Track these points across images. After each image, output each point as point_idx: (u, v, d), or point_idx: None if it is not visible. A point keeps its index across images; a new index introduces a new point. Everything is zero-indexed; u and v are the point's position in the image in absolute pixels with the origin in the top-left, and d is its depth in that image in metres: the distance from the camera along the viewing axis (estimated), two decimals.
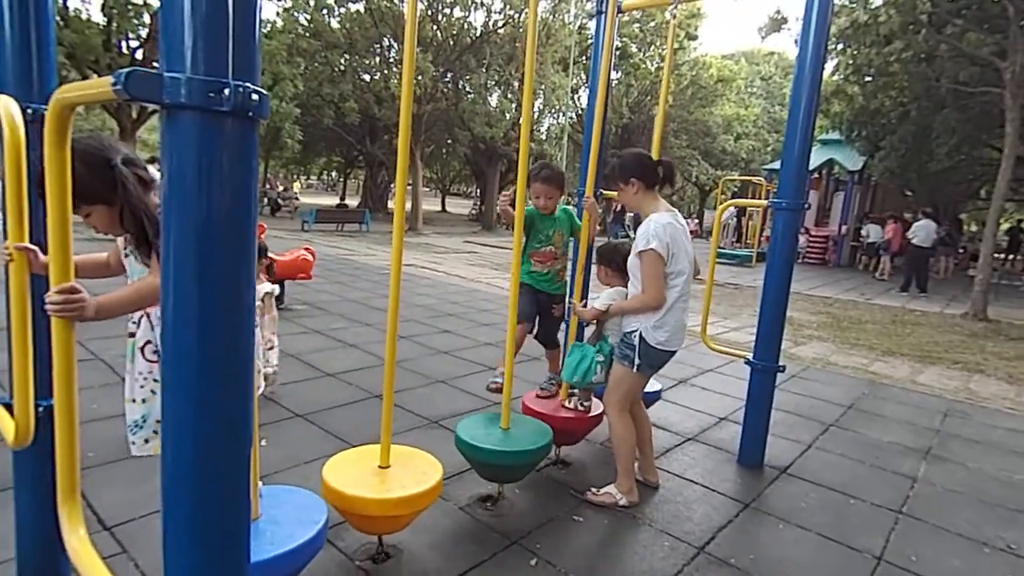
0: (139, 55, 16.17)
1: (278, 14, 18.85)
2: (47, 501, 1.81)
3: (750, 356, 3.16)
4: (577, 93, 22.89)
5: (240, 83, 0.81)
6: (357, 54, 20.62)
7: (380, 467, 2.11)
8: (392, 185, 24.58)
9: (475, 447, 2.35)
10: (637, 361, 2.51)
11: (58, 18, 15.12)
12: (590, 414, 2.90)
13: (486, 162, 23.93)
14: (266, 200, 22.04)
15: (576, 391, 2.92)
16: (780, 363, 3.14)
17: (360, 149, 25.24)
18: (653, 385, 2.98)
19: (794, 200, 2.97)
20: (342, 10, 20.23)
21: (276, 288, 2.36)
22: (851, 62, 12.08)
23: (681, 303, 2.52)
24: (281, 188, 24.60)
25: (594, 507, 2.59)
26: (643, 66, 23.13)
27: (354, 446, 2.98)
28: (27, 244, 1.48)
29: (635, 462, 2.73)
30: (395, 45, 20.53)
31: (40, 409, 1.60)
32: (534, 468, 2.63)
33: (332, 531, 2.26)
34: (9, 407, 1.65)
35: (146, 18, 15.66)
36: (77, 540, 1.10)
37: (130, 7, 15.22)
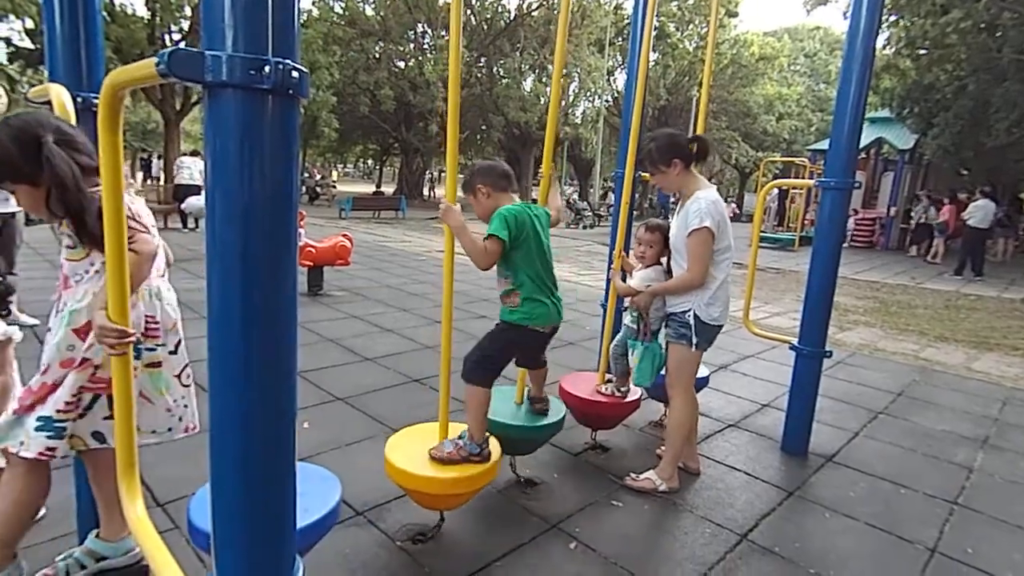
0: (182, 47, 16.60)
1: (314, 3, 19.05)
2: None
3: (795, 341, 3.06)
4: (613, 75, 22.47)
5: (280, 60, 0.81)
6: (392, 41, 20.69)
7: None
8: (427, 172, 24.68)
9: (490, 420, 2.39)
10: (695, 339, 2.48)
11: (105, 13, 15.63)
12: (627, 399, 2.86)
13: (520, 147, 23.81)
14: (304, 188, 22.48)
15: (613, 377, 2.89)
16: (826, 348, 3.03)
17: (395, 136, 25.42)
18: (701, 371, 2.90)
19: (843, 179, 2.84)
20: None
21: (14, 334, 2.11)
22: (904, 34, 11.48)
23: (727, 278, 2.51)
24: (319, 176, 25.04)
25: (633, 492, 2.56)
26: (681, 46, 22.52)
27: (395, 429, 3.05)
28: None
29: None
30: (429, 31, 20.51)
31: None
32: (543, 443, 2.65)
33: (373, 512, 2.30)
34: None
35: (187, 11, 16.04)
36: (135, 513, 1.14)
37: (172, 1, 15.61)
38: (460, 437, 2.12)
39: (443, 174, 35.91)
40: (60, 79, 1.58)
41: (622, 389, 2.83)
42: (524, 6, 20.26)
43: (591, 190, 25.46)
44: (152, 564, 1.04)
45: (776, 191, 16.83)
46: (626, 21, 22.08)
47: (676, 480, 2.59)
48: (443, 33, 20.01)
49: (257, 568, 0.95)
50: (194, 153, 12.53)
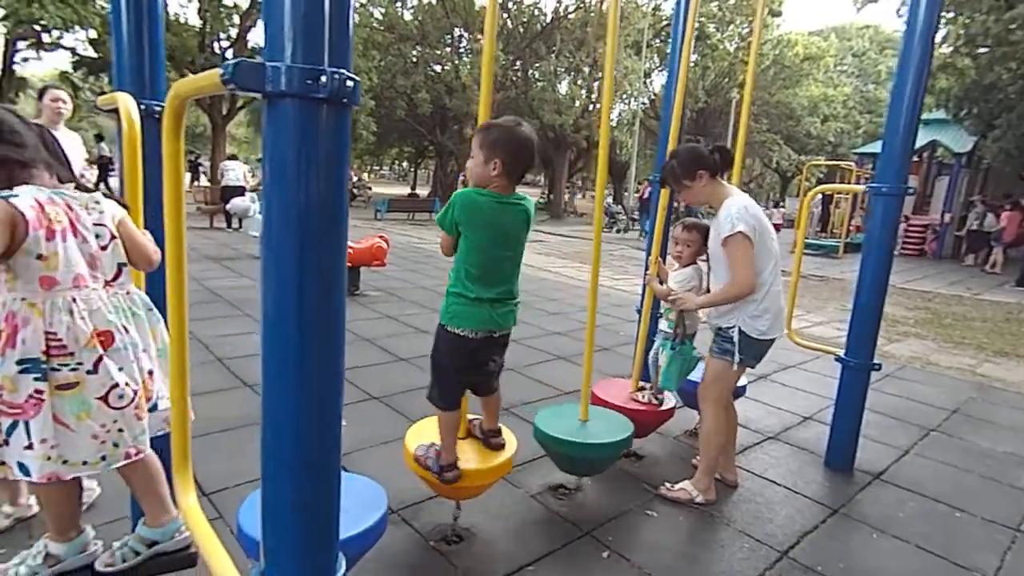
0: (229, 54, 17.21)
1: (355, 9, 19.47)
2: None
3: (841, 352, 2.96)
4: (650, 77, 22.23)
5: (335, 70, 0.83)
6: (429, 45, 20.94)
7: (458, 438, 2.17)
8: (461, 174, 24.88)
9: (554, 438, 2.36)
10: (739, 356, 2.38)
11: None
12: (662, 407, 2.82)
13: (554, 150, 23.73)
14: None
15: (650, 385, 2.85)
16: (875, 361, 2.92)
17: (430, 139, 25.70)
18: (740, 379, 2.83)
19: (896, 184, 2.73)
20: (414, 2, 20.61)
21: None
22: (963, 31, 10.96)
23: (776, 286, 2.38)
24: (355, 178, 25.51)
25: (668, 503, 2.52)
26: (721, 47, 22.11)
27: None
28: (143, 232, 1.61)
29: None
30: (466, 35, 20.70)
31: None
32: (614, 462, 2.59)
33: (408, 511, 2.33)
34: None
35: (235, 19, 16.60)
36: (188, 503, 1.18)
37: (222, 9, 16.20)
38: (432, 445, 2.06)
39: None
40: (126, 87, 1.65)
41: (658, 397, 2.80)
42: (560, 9, 20.25)
43: (625, 193, 25.25)
44: (203, 552, 1.08)
45: (819, 196, 16.35)
46: (664, 22, 21.83)
47: (713, 492, 2.53)
48: (479, 37, 20.16)
49: (304, 559, 0.98)
50: (232, 157, 12.94)
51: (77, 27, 15.99)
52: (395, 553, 2.08)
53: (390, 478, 2.40)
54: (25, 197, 1.35)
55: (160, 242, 1.71)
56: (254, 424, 3.00)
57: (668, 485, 2.58)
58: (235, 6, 16.65)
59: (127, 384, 1.46)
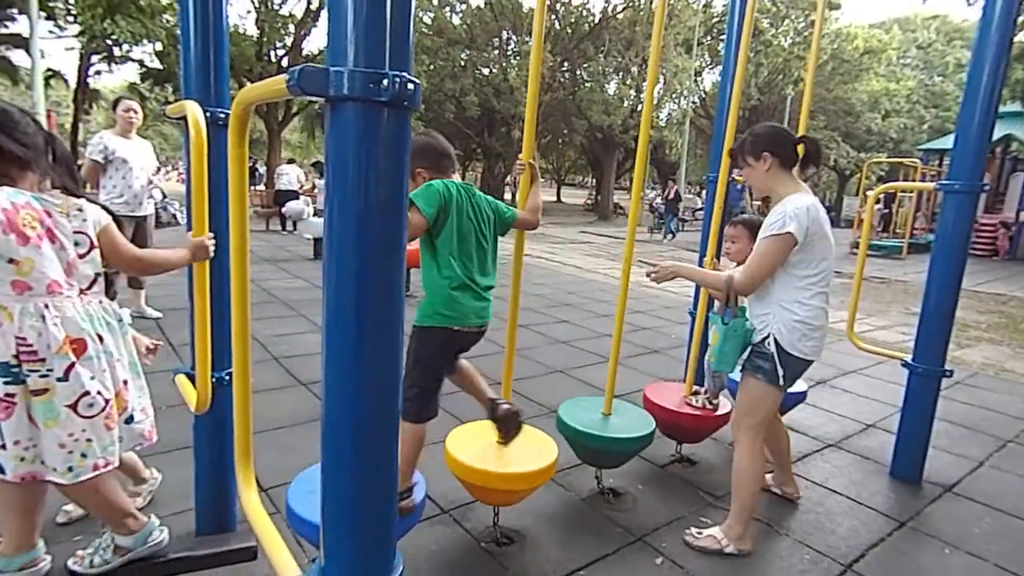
0: (284, 62, 17.85)
1: None
2: (219, 460, 2.06)
3: (907, 357, 2.81)
4: (700, 76, 21.72)
5: (397, 73, 0.84)
6: (477, 49, 21.11)
7: (498, 442, 2.17)
8: (508, 177, 25.01)
9: (574, 429, 2.38)
10: (780, 372, 2.09)
11: None
12: (717, 412, 2.74)
13: (603, 151, 23.53)
14: None
15: (704, 389, 2.77)
16: (945, 367, 2.75)
17: (478, 142, 25.91)
18: (798, 385, 2.71)
19: (970, 181, 2.57)
20: (463, 6, 20.83)
21: (124, 316, 2.07)
22: None
23: (822, 300, 2.10)
24: None
25: (724, 510, 2.44)
26: (775, 42, 21.37)
27: None
28: (209, 234, 1.67)
29: (766, 479, 2.45)
30: (514, 38, 20.77)
31: (215, 380, 1.81)
32: (632, 456, 2.56)
33: (459, 511, 2.34)
34: (191, 378, 1.89)
35: (290, 28, 17.22)
36: (250, 498, 1.22)
37: (279, 20, 16.83)
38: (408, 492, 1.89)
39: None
40: (193, 96, 1.73)
41: (713, 402, 2.72)
42: (609, 9, 20.05)
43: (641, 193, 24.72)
44: (264, 547, 1.11)
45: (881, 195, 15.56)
46: (715, 19, 21.29)
47: (748, 541, 2.18)
48: (527, 39, 20.19)
49: (363, 556, 1.00)
50: (291, 161, 13.39)
51: (145, 40, 16.94)
52: (446, 553, 2.09)
53: (440, 479, 2.42)
54: (1, 198, 1.33)
55: (225, 243, 1.79)
56: (309, 421, 3.09)
57: (695, 531, 2.24)
58: (291, 15, 17.27)
59: (99, 393, 1.43)
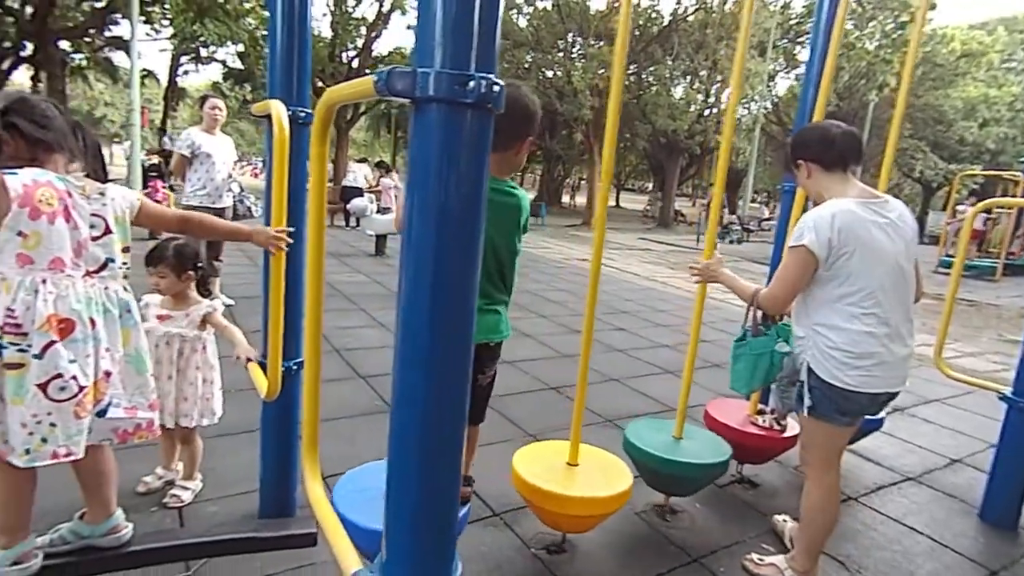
0: (355, 63, 18.49)
1: None
2: (284, 446, 2.13)
3: (1005, 390, 2.57)
4: (773, 80, 20.89)
5: (483, 75, 0.83)
6: (542, 51, 21.14)
7: (568, 464, 2.12)
8: (568, 180, 24.89)
9: (643, 451, 2.27)
10: (808, 402, 1.89)
11: None
12: (784, 434, 2.60)
13: (666, 156, 23.04)
14: None
15: (770, 408, 2.65)
16: None
17: (539, 144, 25.93)
18: None
19: None
20: (530, 8, 20.90)
21: (218, 306, 2.28)
22: None
23: (866, 324, 1.79)
24: None
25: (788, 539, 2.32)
26: (859, 45, 20.28)
27: (530, 433, 3.08)
28: (287, 228, 1.73)
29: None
30: (580, 40, 20.67)
31: (283, 369, 1.87)
32: (706, 484, 2.44)
33: (510, 515, 2.33)
34: (262, 366, 1.96)
35: (362, 30, 17.82)
36: (315, 489, 1.25)
37: (351, 22, 17.44)
38: None
39: (583, 182, 36.00)
40: (277, 95, 1.80)
41: (781, 423, 2.59)
42: (679, 11, 19.62)
43: (739, 202, 23.91)
44: (329, 539, 1.13)
45: (964, 210, 14.45)
46: (792, 20, 20.45)
47: None
48: (593, 42, 20.04)
49: (424, 556, 1.00)
50: (361, 160, 13.83)
51: (229, 42, 17.95)
52: (497, 556, 2.08)
53: (492, 481, 2.43)
54: (23, 176, 1.37)
55: (300, 237, 1.85)
56: (367, 414, 3.16)
57: (756, 558, 2.12)
58: (363, 18, 17.86)
59: (74, 378, 1.38)
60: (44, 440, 1.36)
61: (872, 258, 1.79)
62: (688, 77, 20.61)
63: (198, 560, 1.85)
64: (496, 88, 0.85)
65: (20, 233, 1.36)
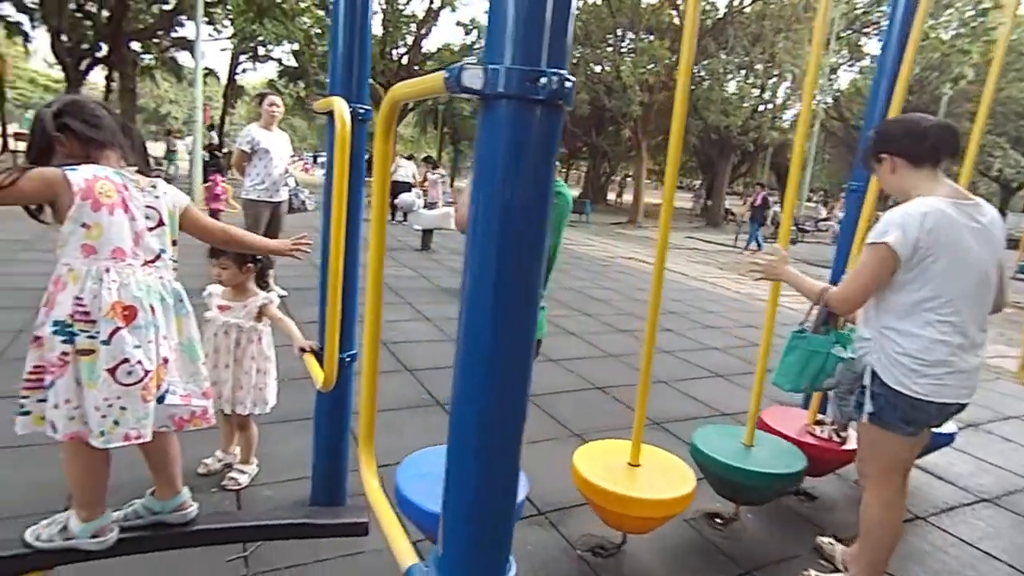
0: (404, 60, 18.77)
1: None
2: (336, 436, 2.18)
3: None
4: (836, 73, 19.97)
5: (555, 71, 0.81)
6: (591, 45, 20.89)
7: (629, 464, 2.09)
8: (613, 177, 24.57)
9: (715, 460, 2.20)
10: (869, 408, 1.78)
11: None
12: (844, 446, 2.49)
13: (717, 153, 22.43)
14: None
15: (828, 418, 2.53)
16: None
17: (585, 140, 25.69)
18: (948, 425, 2.38)
19: None
20: (580, 3, 20.68)
21: (274, 298, 2.38)
22: None
23: (942, 332, 1.69)
24: None
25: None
26: (932, 35, 19.11)
27: (575, 432, 3.06)
28: (304, 239, 1.79)
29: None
30: (630, 34, 20.33)
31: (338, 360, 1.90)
32: (779, 494, 2.36)
33: (555, 514, 2.31)
34: (318, 356, 2.01)
35: (412, 27, 18.07)
36: (372, 482, 1.27)
37: (402, 20, 17.70)
38: None
39: (629, 179, 35.44)
40: (338, 92, 1.83)
41: (841, 435, 2.47)
42: (735, 3, 19.02)
43: (796, 202, 23.02)
44: (385, 532, 1.14)
45: None
46: (858, 9, 19.49)
47: None
48: (644, 36, 19.66)
49: (479, 552, 1.00)
50: (409, 157, 14.04)
51: (286, 41, 18.53)
52: (543, 555, 2.07)
53: (538, 480, 2.40)
54: (83, 171, 1.44)
55: (355, 231, 1.88)
56: (414, 407, 3.20)
57: (815, 574, 2.04)
58: (412, 15, 18.10)
59: (139, 363, 1.44)
60: (116, 423, 1.42)
61: (959, 265, 1.68)
62: (743, 71, 19.97)
63: (255, 542, 1.92)
64: (568, 84, 0.83)
65: (84, 224, 1.42)
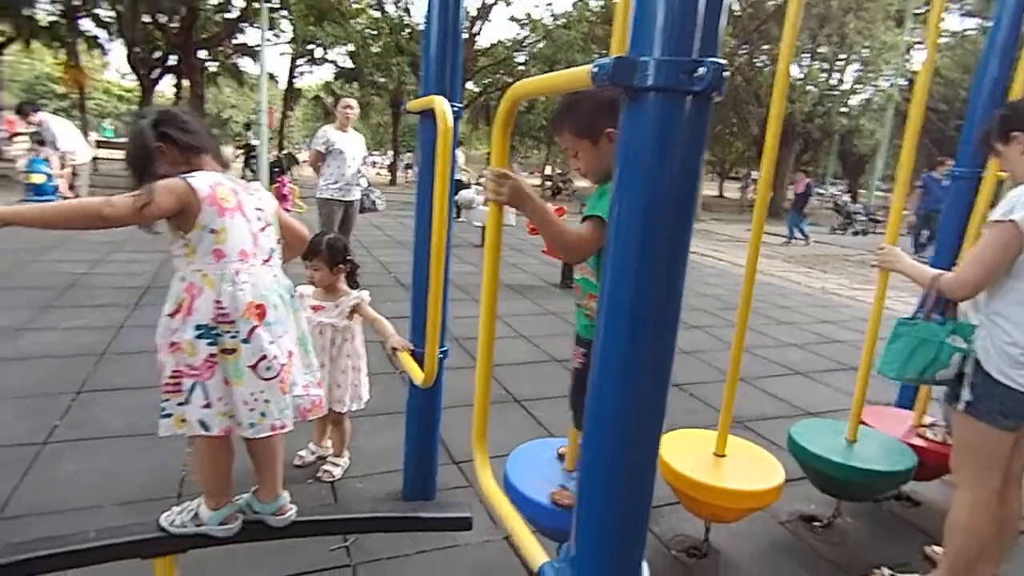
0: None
1: (574, 5, 19.78)
2: (428, 431, 2.21)
3: None
4: (910, 52, 18.79)
5: (712, 60, 0.78)
6: None
7: (715, 454, 2.05)
8: None
9: (814, 454, 2.12)
10: (967, 397, 1.71)
11: (408, 32, 18.59)
12: None
13: (779, 142, 21.53)
14: (549, 183, 23.77)
15: (942, 421, 2.38)
16: None
17: None
18: None
19: None
20: None
21: (366, 296, 2.39)
22: None
23: None
24: (559, 172, 26.24)
25: None
26: None
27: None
28: None
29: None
30: None
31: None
32: (886, 493, 2.25)
33: None
34: (414, 354, 2.04)
35: (465, 23, 18.22)
36: (486, 482, 1.27)
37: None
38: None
39: None
40: (433, 91, 1.85)
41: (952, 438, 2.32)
42: None
43: (862, 191, 21.90)
44: (512, 532, 1.14)
45: None
46: None
47: None
48: None
49: (614, 554, 0.98)
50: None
51: (343, 43, 19.03)
52: None
53: None
54: (202, 178, 1.50)
55: (450, 225, 1.90)
56: (493, 403, 3.21)
57: (887, 572, 1.98)
58: (466, 11, 18.23)
59: (275, 357, 1.50)
60: (263, 415, 1.50)
61: None
62: (808, 55, 19.07)
63: (359, 533, 1.97)
64: (725, 74, 0.79)
65: (212, 230, 1.48)
